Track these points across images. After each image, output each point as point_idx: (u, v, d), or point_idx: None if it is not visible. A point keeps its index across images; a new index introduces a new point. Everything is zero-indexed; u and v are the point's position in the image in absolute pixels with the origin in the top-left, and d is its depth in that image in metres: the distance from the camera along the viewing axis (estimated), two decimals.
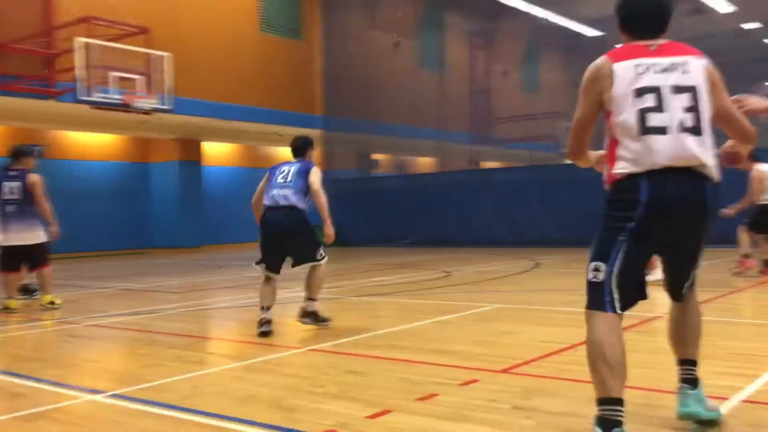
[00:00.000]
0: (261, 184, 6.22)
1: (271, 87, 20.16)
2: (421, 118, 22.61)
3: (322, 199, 5.95)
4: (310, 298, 6.11)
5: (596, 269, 2.93)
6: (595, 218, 3.12)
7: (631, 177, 2.87)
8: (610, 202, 2.97)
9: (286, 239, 5.98)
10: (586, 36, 24.15)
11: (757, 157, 8.74)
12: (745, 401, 3.49)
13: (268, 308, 5.93)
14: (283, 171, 6.09)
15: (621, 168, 2.90)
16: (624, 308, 2.94)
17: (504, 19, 23.89)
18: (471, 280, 10.34)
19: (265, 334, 5.78)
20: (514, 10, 22.25)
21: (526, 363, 4.52)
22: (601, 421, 2.80)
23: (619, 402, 2.83)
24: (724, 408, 3.35)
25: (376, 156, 25.11)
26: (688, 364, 3.22)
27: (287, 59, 20.99)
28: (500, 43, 26.54)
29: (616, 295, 2.90)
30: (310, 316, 6.11)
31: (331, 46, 21.92)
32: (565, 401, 3.63)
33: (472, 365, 4.51)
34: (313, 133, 15.40)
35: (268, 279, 6.07)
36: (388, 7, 22.97)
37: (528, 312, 7.03)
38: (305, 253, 6.05)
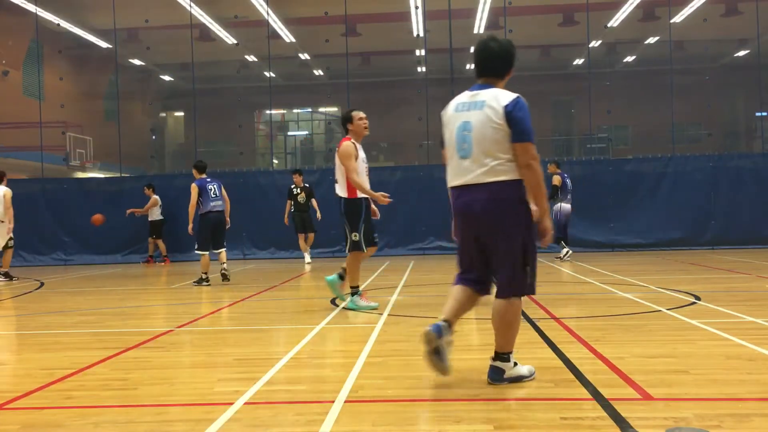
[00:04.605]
0: None
1: None
2: None
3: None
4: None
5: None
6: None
7: None
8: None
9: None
10: (100, 47, 23.42)
11: None
12: (247, 403, 3.75)
13: None
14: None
15: None
16: None
17: (5, 13, 21.52)
18: None
19: None
20: (17, 7, 20.18)
21: (26, 395, 4.07)
22: None
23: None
24: (229, 413, 3.55)
25: None
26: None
27: None
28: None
29: None
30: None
31: None
32: None
33: None
34: None
35: None
36: None
37: (29, 338, 6.38)
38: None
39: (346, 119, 7.36)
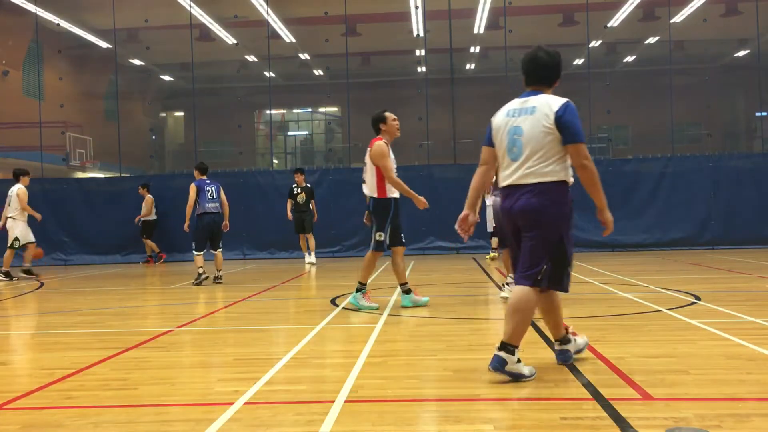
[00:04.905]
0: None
1: None
2: None
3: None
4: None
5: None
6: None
7: None
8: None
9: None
10: (100, 47, 23.40)
11: None
12: (247, 403, 3.74)
13: None
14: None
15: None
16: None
17: (5, 13, 21.52)
18: None
19: None
20: (17, 7, 20.17)
21: (26, 395, 4.07)
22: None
23: None
24: (229, 413, 3.55)
25: None
26: None
27: None
28: None
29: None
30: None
31: None
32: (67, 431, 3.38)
33: None
34: None
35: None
36: None
37: (29, 338, 6.38)
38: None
39: (379, 120, 7.34)
